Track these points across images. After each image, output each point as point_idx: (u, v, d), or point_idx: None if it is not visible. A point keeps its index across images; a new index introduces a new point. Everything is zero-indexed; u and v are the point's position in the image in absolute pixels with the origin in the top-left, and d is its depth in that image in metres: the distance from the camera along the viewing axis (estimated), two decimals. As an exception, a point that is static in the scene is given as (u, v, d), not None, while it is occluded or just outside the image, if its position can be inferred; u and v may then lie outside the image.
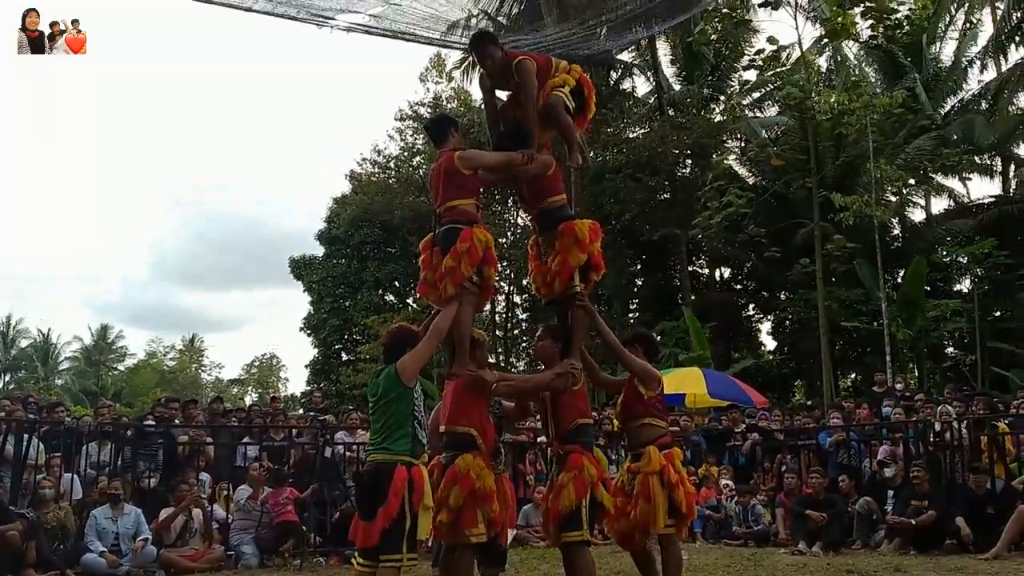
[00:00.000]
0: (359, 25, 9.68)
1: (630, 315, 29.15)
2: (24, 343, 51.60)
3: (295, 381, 74.08)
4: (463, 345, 5.24)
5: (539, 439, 10.98)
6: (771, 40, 21.09)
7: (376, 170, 31.70)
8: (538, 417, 6.20)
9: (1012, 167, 26.34)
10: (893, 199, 24.93)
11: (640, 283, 29.72)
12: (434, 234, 5.43)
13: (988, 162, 26.29)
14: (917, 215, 27.49)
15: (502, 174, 5.78)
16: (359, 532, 4.78)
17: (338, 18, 9.39)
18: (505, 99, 5.96)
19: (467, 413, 5.12)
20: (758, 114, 27.24)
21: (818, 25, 22.72)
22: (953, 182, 26.94)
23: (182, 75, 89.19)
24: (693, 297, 26.67)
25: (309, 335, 32.46)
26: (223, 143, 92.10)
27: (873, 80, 25.30)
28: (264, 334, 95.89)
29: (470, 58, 24.01)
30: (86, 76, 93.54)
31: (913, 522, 9.27)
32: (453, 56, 27.27)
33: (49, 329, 52.06)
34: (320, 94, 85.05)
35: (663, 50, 28.29)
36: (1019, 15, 23.54)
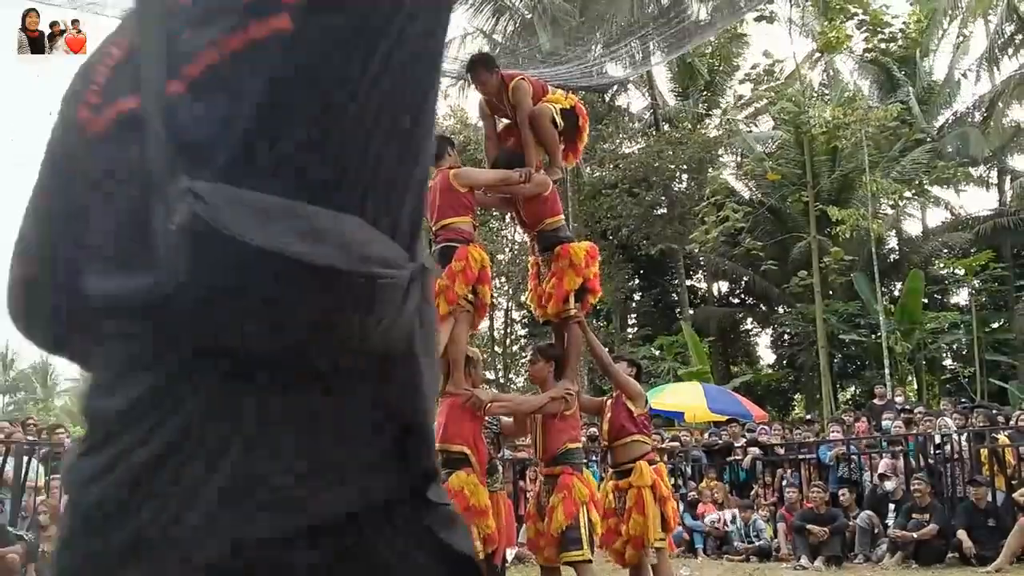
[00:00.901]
0: None
1: (628, 330, 29.13)
2: (23, 364, 51.40)
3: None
4: (457, 364, 5.26)
5: (535, 457, 10.95)
6: (766, 54, 21.25)
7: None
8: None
9: (1008, 179, 26.43)
10: (889, 212, 25.00)
11: (638, 298, 29.72)
12: (430, 252, 5.44)
13: (984, 174, 26.39)
14: (913, 228, 27.57)
15: (498, 192, 5.82)
16: None
17: None
18: (504, 125, 5.98)
19: (460, 431, 5.15)
20: (753, 128, 27.33)
21: (810, 39, 22.82)
22: (949, 194, 27.05)
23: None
24: (691, 311, 26.67)
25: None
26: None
27: (867, 94, 25.40)
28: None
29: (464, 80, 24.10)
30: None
31: (915, 536, 9.26)
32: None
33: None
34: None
35: (658, 65, 28.40)
36: (1012, 27, 23.67)
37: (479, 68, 5.73)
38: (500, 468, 5.66)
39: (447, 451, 5.12)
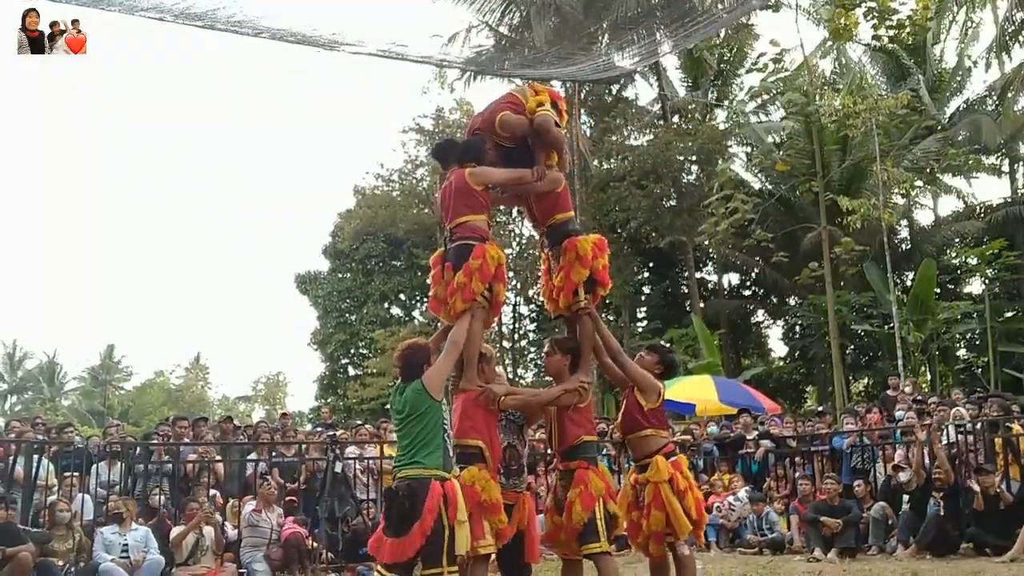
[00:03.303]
0: (365, 52, 9.90)
1: (638, 323, 29.08)
2: (30, 364, 51.69)
3: (302, 397, 74.20)
4: (472, 360, 5.27)
5: (550, 451, 10.93)
6: (773, 43, 21.14)
7: (380, 183, 31.73)
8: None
9: (1020, 167, 26.23)
10: (900, 201, 24.85)
11: (648, 291, 29.67)
12: (445, 250, 5.44)
13: (996, 163, 26.18)
14: (925, 217, 27.42)
15: (512, 190, 5.84)
16: (385, 547, 4.75)
17: (345, 48, 9.57)
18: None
19: (476, 427, 5.16)
20: (763, 118, 27.20)
21: (821, 26, 22.64)
22: (961, 183, 26.87)
23: (183, 76, 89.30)
24: (702, 304, 26.59)
25: (316, 350, 32.43)
26: (226, 147, 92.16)
27: (877, 82, 25.24)
28: (272, 350, 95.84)
29: (470, 72, 24.13)
30: (86, 76, 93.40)
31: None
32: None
33: (55, 350, 52.20)
34: (325, 107, 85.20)
35: (666, 56, 28.30)
36: (1022, 14, 23.42)
37: (474, 158, 5.62)
38: (525, 468, 5.60)
39: (462, 445, 5.13)
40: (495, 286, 5.35)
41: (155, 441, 10.96)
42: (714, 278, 30.46)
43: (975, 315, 21.86)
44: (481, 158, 5.57)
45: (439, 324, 5.80)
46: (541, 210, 5.79)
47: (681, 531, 5.38)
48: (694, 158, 25.53)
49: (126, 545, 8.58)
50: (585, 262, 5.49)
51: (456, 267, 5.24)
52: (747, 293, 30.38)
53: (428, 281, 5.71)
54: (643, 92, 29.36)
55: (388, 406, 5.30)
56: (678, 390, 15.71)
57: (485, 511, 4.98)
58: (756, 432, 12.49)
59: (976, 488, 9.22)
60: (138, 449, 10.70)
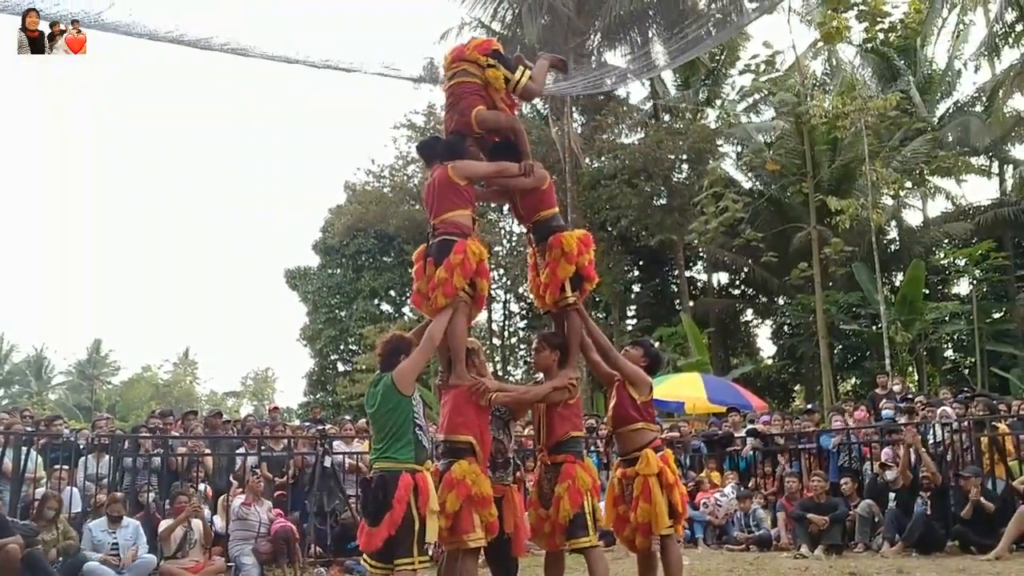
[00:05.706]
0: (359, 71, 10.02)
1: (628, 321, 29.13)
2: (17, 357, 51.39)
3: (291, 392, 74.04)
4: (459, 355, 5.29)
5: (537, 446, 10.94)
6: (766, 44, 21.18)
7: (371, 179, 31.67)
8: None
9: (1009, 169, 26.37)
10: (890, 202, 24.94)
11: (637, 289, 29.73)
12: (428, 245, 5.46)
13: (985, 164, 26.31)
14: (914, 218, 27.53)
15: (497, 184, 5.84)
16: (364, 537, 4.82)
17: (337, 69, 9.70)
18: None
19: (467, 422, 5.18)
20: (754, 118, 27.26)
21: (813, 27, 22.71)
22: (950, 184, 27.00)
23: (183, 76, 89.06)
24: (691, 303, 26.66)
25: (305, 346, 32.37)
26: (224, 145, 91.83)
27: (868, 83, 25.32)
28: (261, 345, 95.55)
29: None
30: (86, 76, 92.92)
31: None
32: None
33: (43, 344, 51.87)
34: (325, 107, 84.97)
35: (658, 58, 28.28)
36: (1012, 16, 23.55)
37: (464, 154, 5.63)
38: (512, 462, 5.62)
39: (453, 441, 5.15)
40: (478, 281, 5.38)
41: (144, 434, 10.94)
42: (703, 277, 30.56)
43: (963, 316, 21.98)
44: (464, 155, 5.58)
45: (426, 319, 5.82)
46: (526, 207, 5.81)
47: (658, 526, 5.41)
48: (685, 157, 25.57)
49: (116, 544, 8.58)
50: (571, 258, 5.51)
51: (438, 262, 5.27)
52: (736, 292, 30.46)
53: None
54: (634, 91, 29.43)
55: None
56: (667, 388, 15.80)
57: (475, 505, 5.01)
58: (744, 430, 12.54)
59: (972, 492, 9.23)
60: (126, 442, 10.67)
